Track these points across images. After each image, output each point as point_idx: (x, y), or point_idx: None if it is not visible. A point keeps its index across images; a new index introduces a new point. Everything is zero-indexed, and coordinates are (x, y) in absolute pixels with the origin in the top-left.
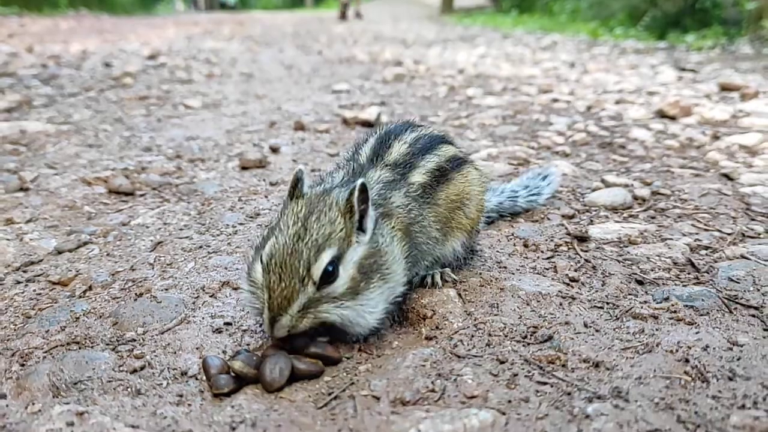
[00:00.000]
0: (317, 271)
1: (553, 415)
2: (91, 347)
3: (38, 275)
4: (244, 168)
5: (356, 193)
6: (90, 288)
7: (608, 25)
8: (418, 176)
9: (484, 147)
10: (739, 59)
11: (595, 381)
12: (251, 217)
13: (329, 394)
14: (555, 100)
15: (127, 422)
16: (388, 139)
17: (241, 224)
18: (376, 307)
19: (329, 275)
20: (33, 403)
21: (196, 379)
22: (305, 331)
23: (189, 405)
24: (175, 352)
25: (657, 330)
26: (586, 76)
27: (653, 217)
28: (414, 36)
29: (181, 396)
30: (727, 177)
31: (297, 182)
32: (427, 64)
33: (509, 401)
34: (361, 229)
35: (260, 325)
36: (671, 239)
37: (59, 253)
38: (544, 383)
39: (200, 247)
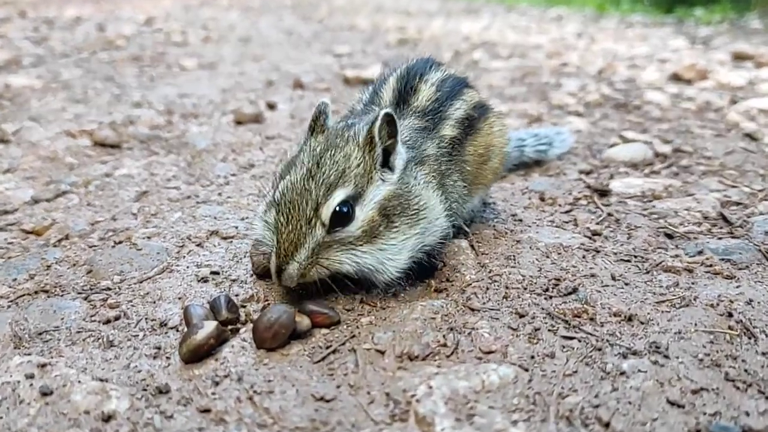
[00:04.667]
0: (327, 211)
1: (583, 371)
2: (61, 296)
3: (10, 224)
4: (238, 123)
5: (378, 123)
6: (66, 237)
7: (615, 0)
8: (448, 129)
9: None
10: (748, 33)
11: (628, 336)
12: (245, 168)
13: (327, 348)
14: (564, 65)
15: (96, 375)
16: (412, 79)
17: (233, 175)
18: (398, 254)
19: (342, 217)
20: None
21: (177, 330)
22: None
23: (167, 358)
24: (154, 302)
25: (693, 284)
26: (595, 45)
27: (677, 174)
28: (417, 8)
29: (158, 348)
30: (751, 137)
31: (319, 115)
32: (431, 32)
33: (532, 357)
34: (387, 166)
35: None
36: (699, 194)
37: (36, 202)
38: (571, 338)
39: (188, 197)
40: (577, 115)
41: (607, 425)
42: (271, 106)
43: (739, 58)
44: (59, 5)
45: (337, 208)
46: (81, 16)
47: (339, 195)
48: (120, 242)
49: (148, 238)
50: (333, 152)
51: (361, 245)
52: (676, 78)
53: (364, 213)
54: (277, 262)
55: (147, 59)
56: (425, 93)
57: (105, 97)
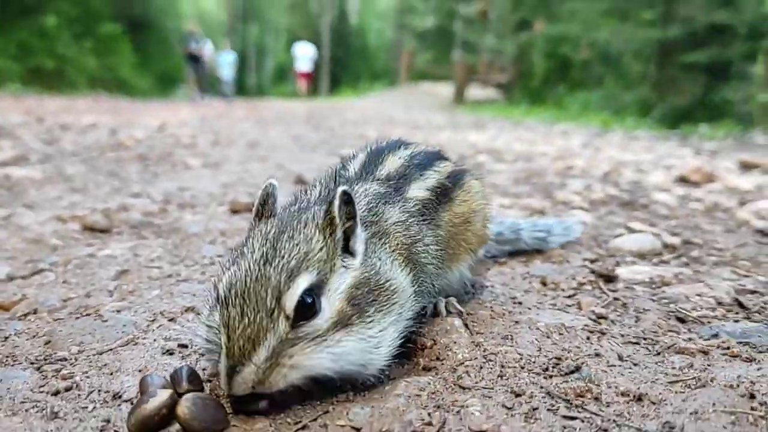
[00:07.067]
0: (291, 301)
1: None
2: (12, 365)
3: None
4: (234, 212)
5: (336, 202)
6: (34, 312)
7: (619, 116)
8: (417, 191)
9: (495, 200)
10: (753, 148)
11: (638, 416)
12: (233, 250)
13: (296, 423)
14: (569, 168)
15: None
16: (380, 153)
17: (219, 256)
18: (379, 346)
19: (307, 309)
20: None
21: (131, 403)
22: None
23: None
24: (111, 374)
25: (709, 365)
26: (600, 154)
27: (687, 264)
28: (425, 121)
29: (107, 421)
30: (763, 233)
31: (266, 198)
32: (438, 141)
33: None
34: (348, 252)
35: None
36: (711, 282)
37: (10, 279)
38: (573, 418)
39: (169, 275)
40: (582, 210)
41: None
42: None
43: (745, 166)
44: (78, 113)
45: (301, 298)
46: (97, 123)
47: (303, 282)
48: (87, 314)
49: (118, 311)
50: (291, 234)
51: (334, 335)
52: (682, 180)
53: (330, 304)
54: (229, 364)
55: (153, 158)
56: (391, 163)
57: (104, 189)
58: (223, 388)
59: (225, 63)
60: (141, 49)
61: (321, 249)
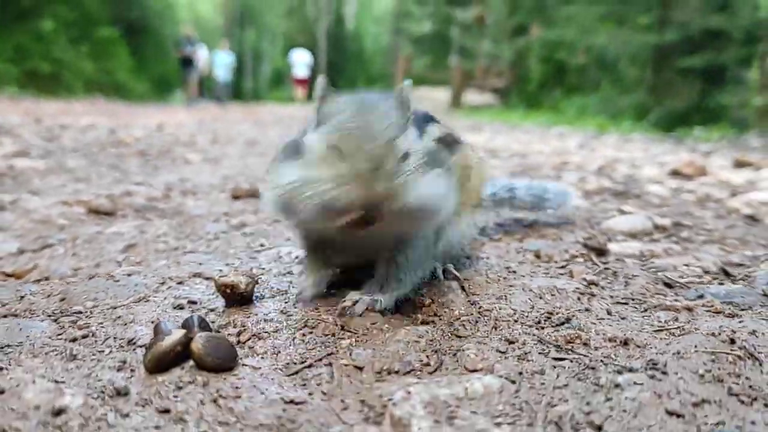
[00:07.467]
0: (400, 138)
1: (574, 385)
2: (30, 318)
3: None
4: (235, 197)
5: (406, 87)
6: (46, 278)
7: (616, 120)
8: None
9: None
10: (748, 149)
11: (624, 357)
12: (236, 227)
13: (302, 363)
14: (565, 163)
15: (52, 379)
16: None
17: (224, 232)
18: (449, 196)
19: (405, 155)
20: None
21: (146, 348)
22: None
23: (132, 370)
24: (125, 324)
25: (693, 319)
26: (595, 153)
27: (677, 242)
28: None
29: (124, 362)
30: (752, 218)
31: (327, 90)
32: None
33: (520, 372)
34: None
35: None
36: (699, 255)
37: (21, 253)
38: (562, 359)
39: (176, 248)
40: (577, 198)
41: (599, 428)
42: None
43: (739, 164)
44: (76, 115)
45: (404, 144)
46: (95, 124)
47: (409, 132)
48: (100, 277)
49: (129, 275)
50: (376, 101)
51: (422, 176)
52: (675, 174)
53: (416, 156)
54: (371, 164)
55: (153, 154)
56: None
57: (107, 179)
58: (357, 194)
59: (221, 64)
60: (138, 54)
61: (399, 119)
